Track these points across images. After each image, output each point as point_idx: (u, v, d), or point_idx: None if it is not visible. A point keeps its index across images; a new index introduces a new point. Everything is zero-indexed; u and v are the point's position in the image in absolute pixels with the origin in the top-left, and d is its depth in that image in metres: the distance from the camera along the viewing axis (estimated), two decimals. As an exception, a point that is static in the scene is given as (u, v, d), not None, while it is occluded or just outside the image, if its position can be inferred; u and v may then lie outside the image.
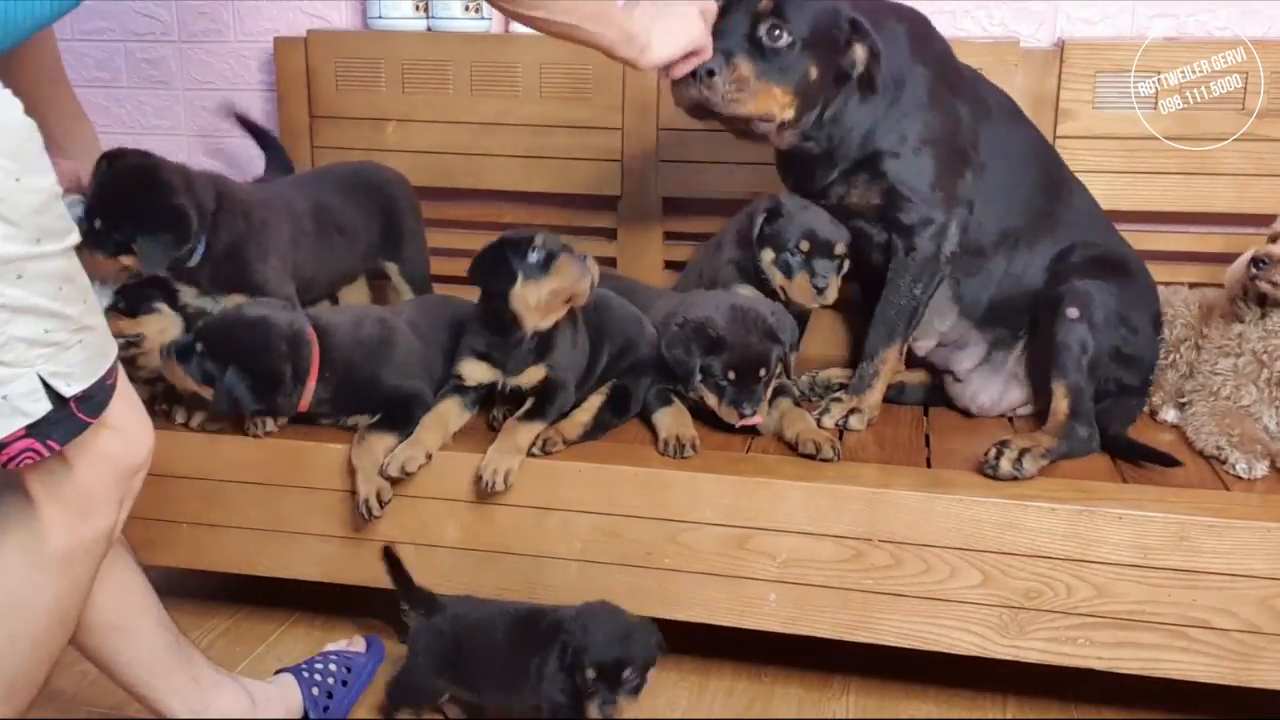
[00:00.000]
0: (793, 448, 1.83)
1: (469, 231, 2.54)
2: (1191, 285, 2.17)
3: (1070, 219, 2.03)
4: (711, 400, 1.88)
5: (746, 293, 2.09)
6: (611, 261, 2.52)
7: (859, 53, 1.85)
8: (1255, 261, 1.85)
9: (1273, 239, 1.91)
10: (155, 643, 1.52)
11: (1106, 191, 2.11)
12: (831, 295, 2.02)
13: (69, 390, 1.14)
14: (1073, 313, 1.88)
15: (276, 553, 1.92)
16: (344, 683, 1.80)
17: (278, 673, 1.78)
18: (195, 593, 2.17)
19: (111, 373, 1.21)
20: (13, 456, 1.12)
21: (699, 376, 1.87)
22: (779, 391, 1.93)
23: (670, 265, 2.51)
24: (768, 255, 2.04)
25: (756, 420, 1.85)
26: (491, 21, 2.56)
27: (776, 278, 2.04)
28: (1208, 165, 2.20)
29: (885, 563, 1.69)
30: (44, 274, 1.11)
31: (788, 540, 1.72)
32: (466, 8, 2.51)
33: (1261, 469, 1.76)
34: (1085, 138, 2.22)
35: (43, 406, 1.12)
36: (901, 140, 1.91)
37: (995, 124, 1.99)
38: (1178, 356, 2.05)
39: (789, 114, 1.84)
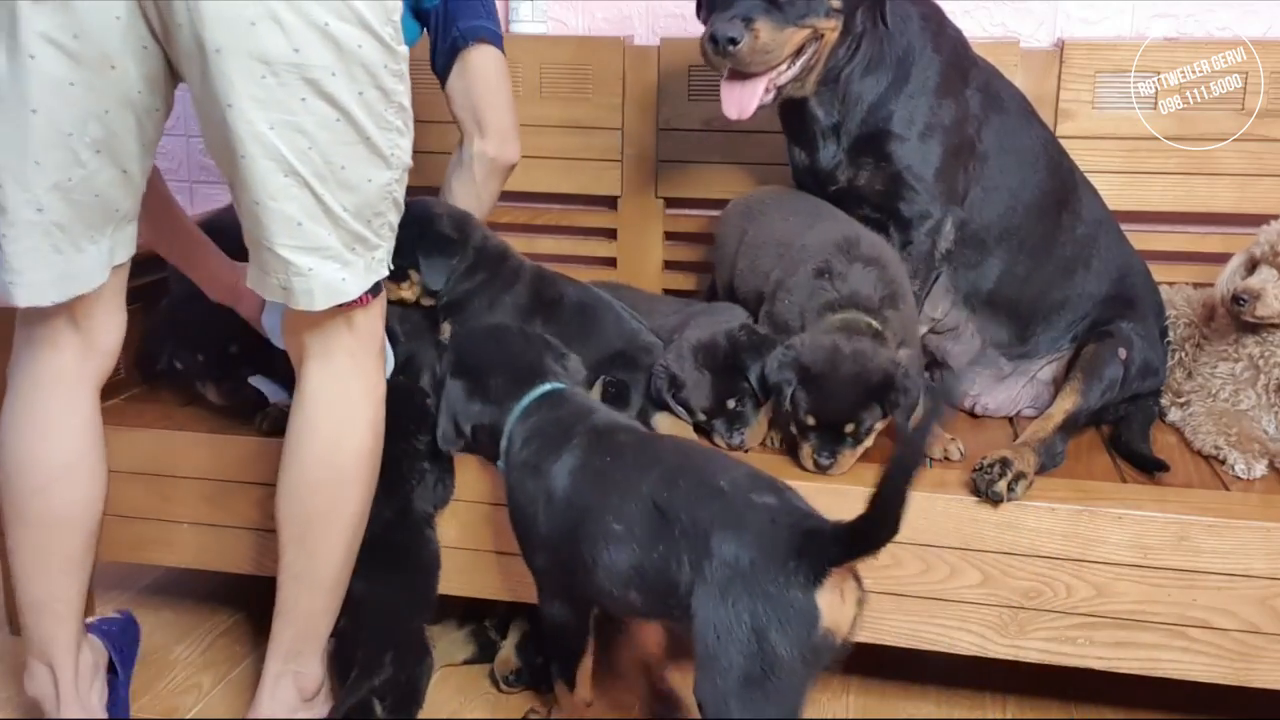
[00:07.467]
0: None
1: (469, 231, 2.54)
2: (1196, 286, 2.18)
3: (1086, 236, 2.02)
4: (705, 431, 1.87)
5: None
6: (611, 261, 2.52)
7: None
8: (1236, 299, 1.86)
9: (1250, 267, 1.90)
10: (74, 551, 1.58)
11: (1106, 192, 2.10)
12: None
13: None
14: (1122, 354, 1.92)
15: (276, 552, 1.91)
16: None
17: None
18: (195, 593, 2.18)
19: None
20: (358, 300, 1.49)
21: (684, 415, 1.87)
22: None
23: (670, 265, 2.50)
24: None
25: (750, 445, 1.84)
26: (491, 21, 2.55)
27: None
28: (1208, 165, 2.20)
29: (885, 563, 1.69)
30: (400, 181, 1.57)
31: (788, 540, 1.71)
32: (466, 8, 2.50)
33: (1260, 469, 1.77)
34: (1085, 138, 2.22)
35: (386, 269, 1.53)
36: (910, 124, 1.90)
37: (1006, 117, 1.98)
38: (1184, 355, 2.05)
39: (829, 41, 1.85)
